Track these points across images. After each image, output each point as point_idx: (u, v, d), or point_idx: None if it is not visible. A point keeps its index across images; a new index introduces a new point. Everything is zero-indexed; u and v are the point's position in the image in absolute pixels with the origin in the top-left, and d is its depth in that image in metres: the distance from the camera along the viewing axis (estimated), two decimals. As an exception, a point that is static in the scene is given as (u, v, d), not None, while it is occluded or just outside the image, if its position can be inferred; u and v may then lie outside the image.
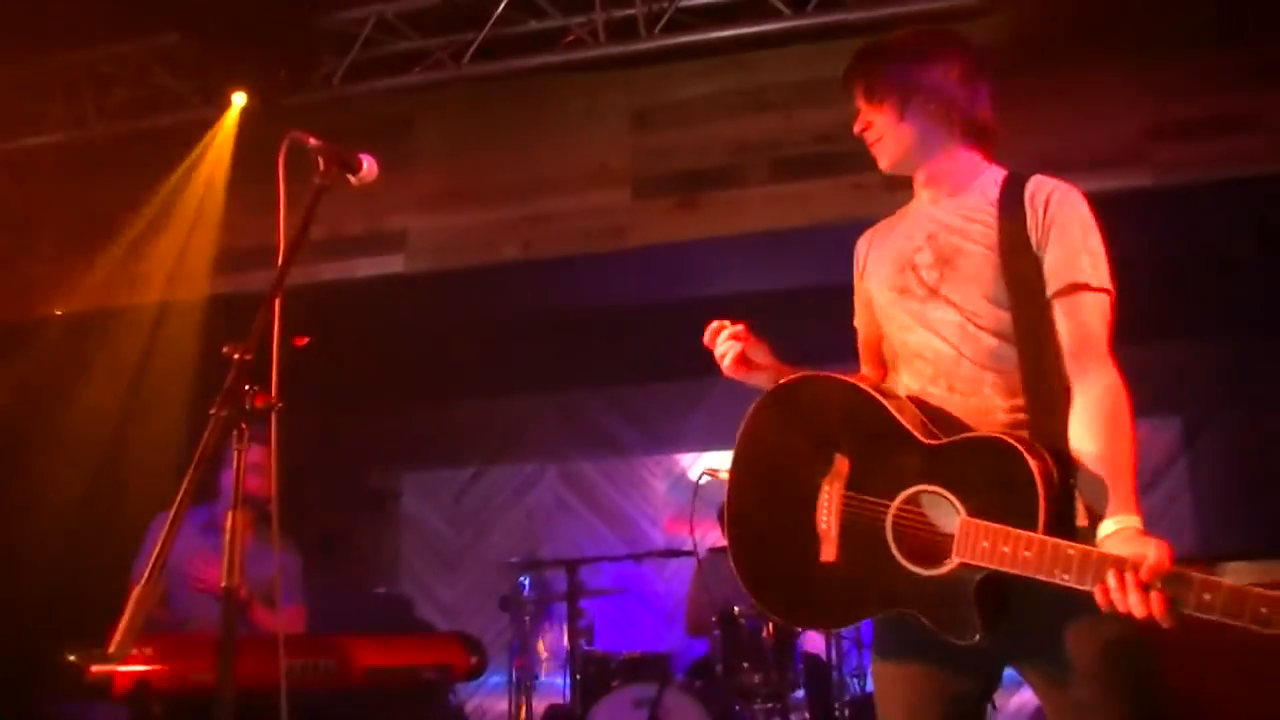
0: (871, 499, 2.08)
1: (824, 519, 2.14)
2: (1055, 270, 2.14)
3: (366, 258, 5.74)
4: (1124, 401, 2.08)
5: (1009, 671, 2.19)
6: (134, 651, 3.29)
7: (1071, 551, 1.86)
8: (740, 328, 2.35)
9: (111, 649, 1.99)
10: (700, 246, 5.43)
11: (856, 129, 2.41)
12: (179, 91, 5.65)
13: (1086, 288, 2.13)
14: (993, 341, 2.17)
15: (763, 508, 2.25)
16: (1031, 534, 1.89)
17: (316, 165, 2.47)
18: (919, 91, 2.31)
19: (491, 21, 5.30)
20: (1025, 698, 6.84)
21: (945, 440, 2.06)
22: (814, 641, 5.86)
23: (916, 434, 2.08)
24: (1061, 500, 1.99)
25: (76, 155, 5.81)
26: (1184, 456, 7.28)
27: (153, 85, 5.68)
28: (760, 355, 2.40)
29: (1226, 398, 7.01)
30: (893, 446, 2.09)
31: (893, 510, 2.05)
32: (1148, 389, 7.60)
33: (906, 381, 2.28)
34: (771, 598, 2.22)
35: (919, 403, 2.20)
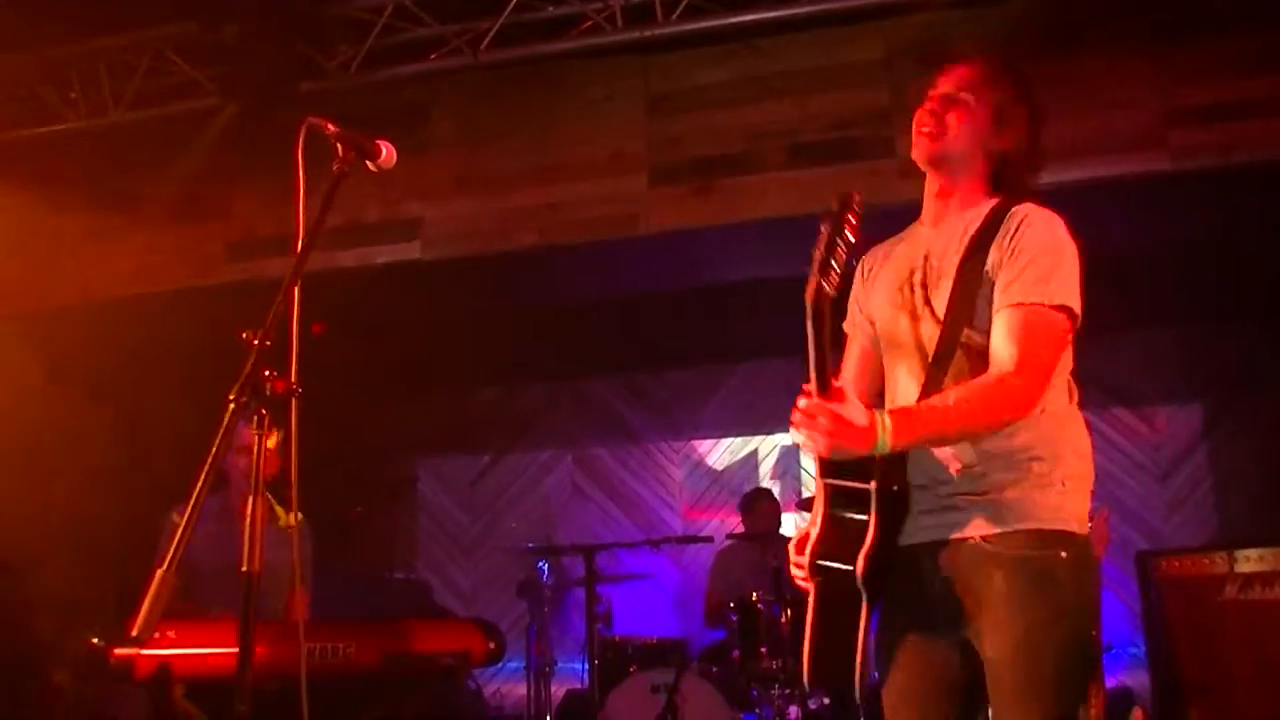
0: None
1: None
2: (999, 292, 2.22)
3: (384, 245, 5.74)
4: (993, 393, 2.15)
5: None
6: (156, 635, 3.31)
7: None
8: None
9: (135, 632, 2.00)
10: (716, 233, 5.42)
11: (916, 115, 2.43)
12: (195, 79, 5.66)
13: (1016, 307, 2.19)
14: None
15: None
16: None
17: (335, 152, 2.47)
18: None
19: (509, 8, 5.29)
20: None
21: None
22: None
23: None
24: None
25: (96, 143, 5.82)
26: (1205, 443, 7.25)
27: (170, 73, 5.69)
28: None
29: (1248, 384, 6.96)
30: None
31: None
32: (1168, 375, 7.57)
33: (901, 389, 2.39)
34: None
35: None
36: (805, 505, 6.43)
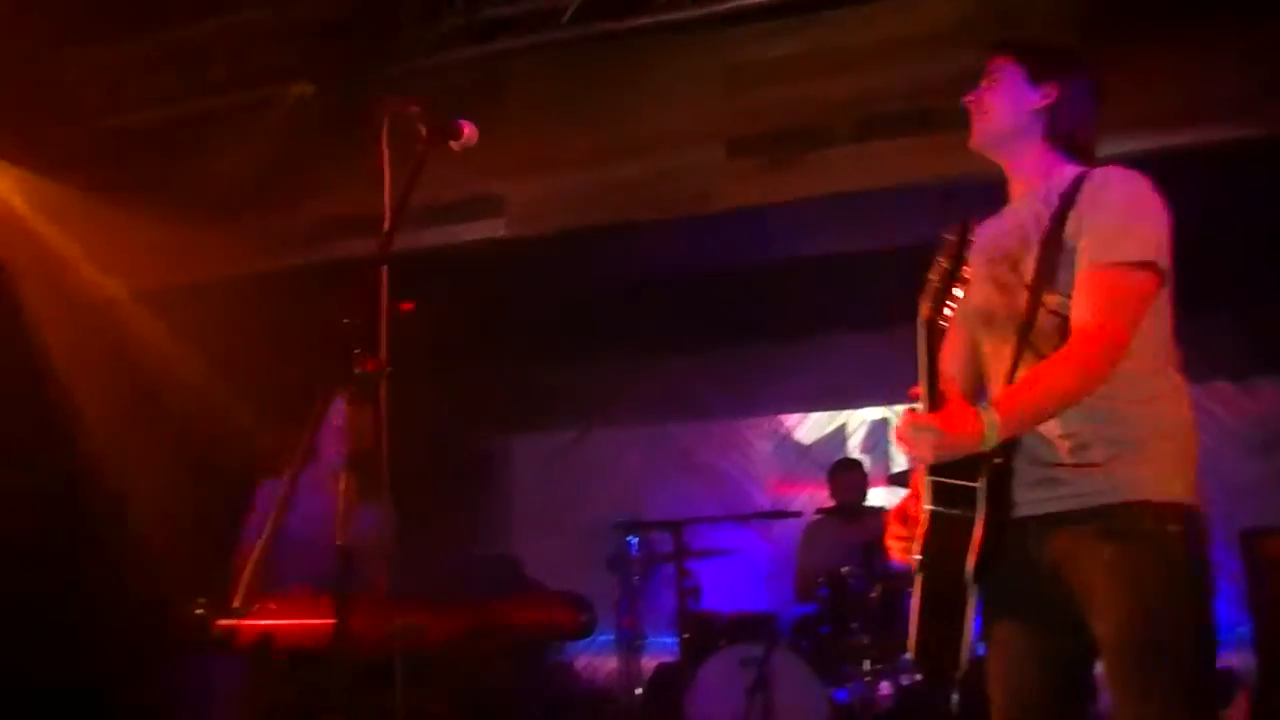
0: None
1: None
2: (1079, 256, 2.22)
3: (467, 223, 5.79)
4: (1074, 358, 2.15)
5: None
6: (256, 606, 3.41)
7: None
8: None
9: (236, 603, 2.07)
10: (793, 207, 5.37)
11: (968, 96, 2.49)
12: (275, 64, 5.74)
13: (1094, 267, 2.19)
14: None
15: None
16: None
17: (417, 132, 2.50)
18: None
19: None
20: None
21: None
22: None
23: None
24: None
25: (180, 130, 5.94)
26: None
27: (250, 59, 5.78)
28: None
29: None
30: None
31: None
32: (1272, 347, 7.25)
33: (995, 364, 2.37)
34: None
35: None
36: (896, 480, 6.36)
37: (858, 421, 8.11)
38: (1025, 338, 2.25)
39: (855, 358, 7.94)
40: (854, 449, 7.99)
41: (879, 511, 6.45)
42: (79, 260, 6.13)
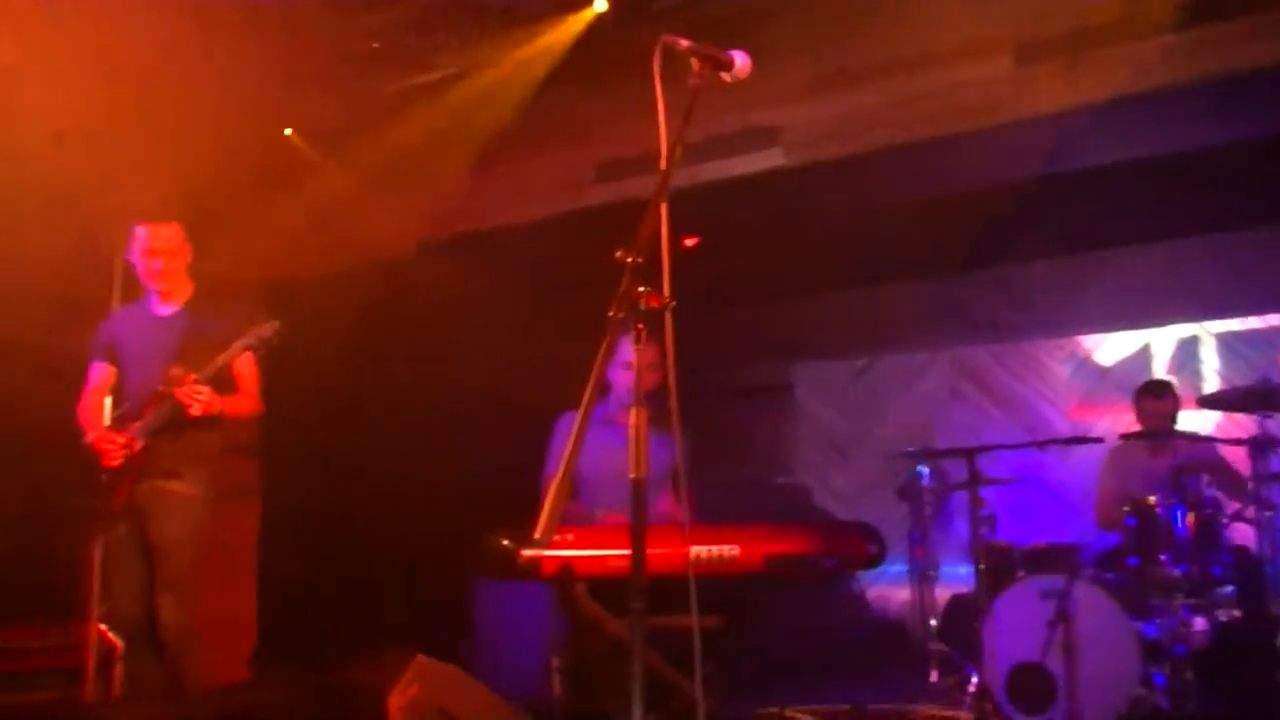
0: None
1: None
2: None
3: (744, 154, 5.77)
4: None
5: None
6: (556, 537, 3.59)
7: None
8: None
9: (537, 535, 2.18)
10: (1089, 112, 5.01)
11: None
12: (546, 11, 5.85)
13: None
14: None
15: None
16: None
17: (690, 67, 2.51)
18: None
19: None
20: None
21: None
22: (1242, 532, 5.41)
23: None
24: None
25: (463, 84, 6.17)
26: None
27: (524, 8, 5.91)
28: None
29: None
30: None
31: None
32: None
33: None
34: None
35: None
36: (1206, 403, 5.92)
37: (1163, 340, 7.60)
38: None
39: (1159, 271, 7.41)
40: (1159, 370, 7.50)
41: (1190, 437, 6.04)
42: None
